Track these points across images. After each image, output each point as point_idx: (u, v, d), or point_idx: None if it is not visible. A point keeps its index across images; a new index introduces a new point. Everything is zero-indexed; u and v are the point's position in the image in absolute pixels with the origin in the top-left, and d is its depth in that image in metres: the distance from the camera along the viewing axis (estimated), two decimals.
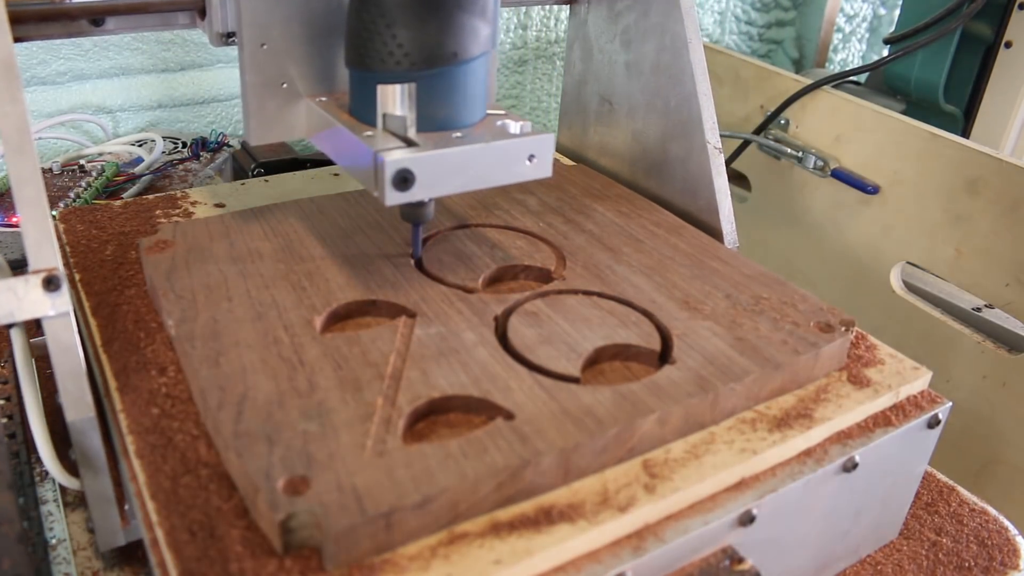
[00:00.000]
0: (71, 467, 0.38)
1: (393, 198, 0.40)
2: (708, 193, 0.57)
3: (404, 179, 0.40)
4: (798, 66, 1.28)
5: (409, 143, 0.41)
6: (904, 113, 0.82)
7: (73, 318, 0.35)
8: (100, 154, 0.87)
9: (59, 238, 0.51)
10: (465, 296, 0.46)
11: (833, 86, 0.85)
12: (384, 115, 0.41)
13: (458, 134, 0.43)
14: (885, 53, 0.93)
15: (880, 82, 0.99)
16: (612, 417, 0.37)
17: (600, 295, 0.47)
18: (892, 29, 0.99)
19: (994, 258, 0.72)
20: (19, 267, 0.65)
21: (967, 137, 0.95)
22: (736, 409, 0.41)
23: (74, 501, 0.44)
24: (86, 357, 0.37)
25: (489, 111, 0.46)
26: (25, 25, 0.44)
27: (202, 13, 0.48)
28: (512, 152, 0.43)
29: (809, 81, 0.85)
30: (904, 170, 0.78)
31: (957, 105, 0.96)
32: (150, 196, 0.58)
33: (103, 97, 0.91)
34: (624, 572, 0.33)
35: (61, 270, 0.35)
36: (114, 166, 0.81)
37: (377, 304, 0.45)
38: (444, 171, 0.41)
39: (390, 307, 0.45)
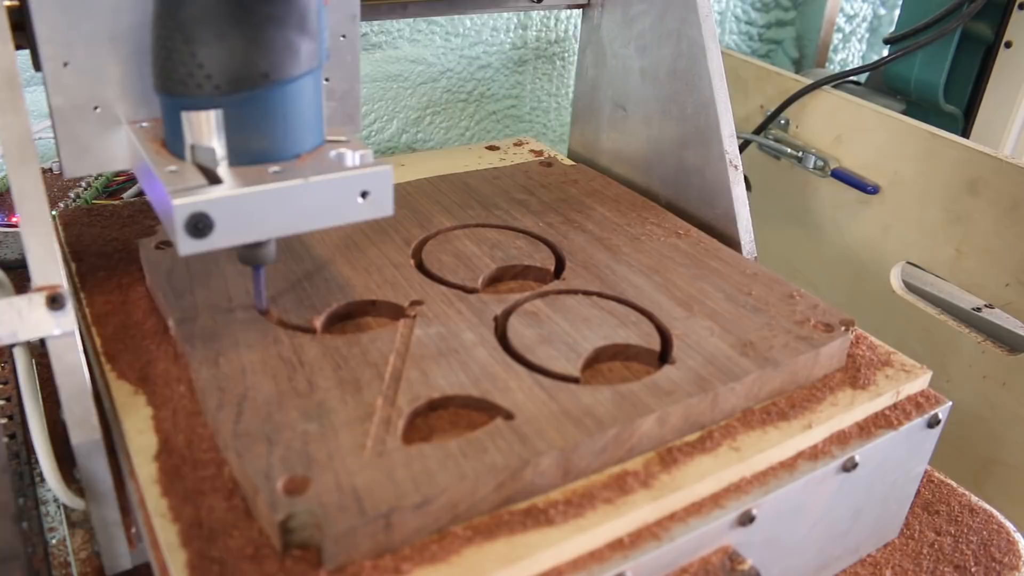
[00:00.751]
0: (74, 481, 0.37)
1: (188, 246, 0.34)
2: (726, 202, 0.56)
3: (197, 225, 0.34)
4: (798, 66, 1.28)
5: (213, 180, 0.35)
6: (904, 113, 0.82)
7: (78, 337, 0.34)
8: None
9: (59, 238, 0.51)
10: (465, 296, 0.46)
11: (833, 86, 0.85)
12: (192, 146, 0.36)
13: (276, 168, 0.37)
14: (885, 53, 0.93)
15: (880, 82, 0.99)
16: (612, 417, 0.37)
17: (600, 295, 0.47)
18: (892, 29, 0.99)
19: (994, 258, 0.72)
20: (19, 267, 0.65)
21: (967, 137, 0.95)
22: (736, 409, 0.41)
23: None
24: (89, 367, 0.36)
25: (330, 138, 0.40)
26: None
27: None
28: (337, 189, 0.37)
29: (809, 81, 0.85)
30: (904, 170, 0.78)
31: (957, 105, 0.96)
32: None
33: None
34: (624, 572, 0.33)
35: (66, 287, 0.33)
36: None
37: (377, 304, 0.45)
38: (251, 214, 0.35)
39: (390, 307, 0.45)
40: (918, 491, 0.49)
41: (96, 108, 0.41)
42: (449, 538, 0.32)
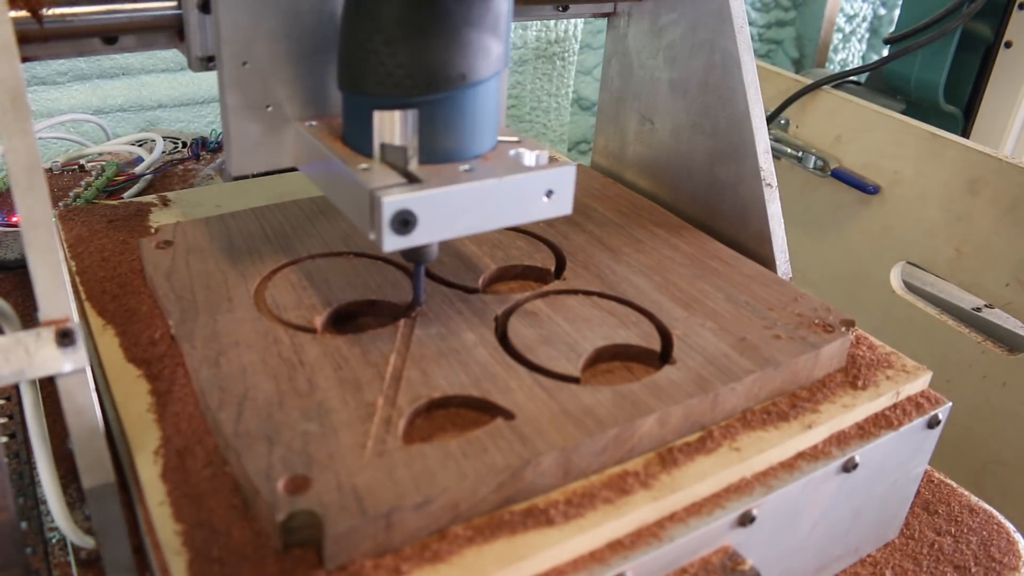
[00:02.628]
0: (84, 519, 0.36)
1: (392, 243, 0.35)
2: (760, 221, 0.54)
3: (405, 221, 0.35)
4: (798, 66, 1.28)
5: (410, 178, 0.36)
6: (904, 113, 0.82)
7: (90, 375, 0.32)
8: (100, 154, 0.87)
9: (58, 239, 0.51)
10: (465, 296, 0.46)
11: (833, 86, 0.85)
12: (382, 145, 0.37)
13: (466, 167, 0.38)
14: (885, 53, 0.93)
15: (880, 82, 0.99)
16: (612, 417, 0.37)
17: (600, 295, 0.47)
18: (892, 29, 0.99)
19: (994, 258, 0.72)
20: (19, 267, 0.65)
21: (967, 137, 0.95)
22: (736, 409, 0.41)
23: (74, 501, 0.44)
24: (91, 372, 0.34)
25: (501, 138, 0.41)
26: (32, 45, 0.41)
27: (180, 34, 0.43)
28: (528, 188, 0.38)
29: (809, 81, 0.85)
30: (904, 170, 0.78)
31: (957, 105, 0.96)
32: (150, 196, 0.58)
33: (103, 97, 0.91)
34: (624, 572, 0.33)
35: (76, 321, 0.31)
36: (114, 166, 0.81)
37: (377, 304, 0.45)
38: (450, 211, 0.36)
39: (390, 307, 0.45)
40: (918, 491, 0.49)
41: (268, 107, 0.42)
42: (449, 538, 0.32)
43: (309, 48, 0.42)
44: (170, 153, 0.88)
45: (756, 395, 0.41)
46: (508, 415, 0.37)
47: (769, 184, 0.53)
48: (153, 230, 0.52)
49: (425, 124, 0.37)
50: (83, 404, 0.32)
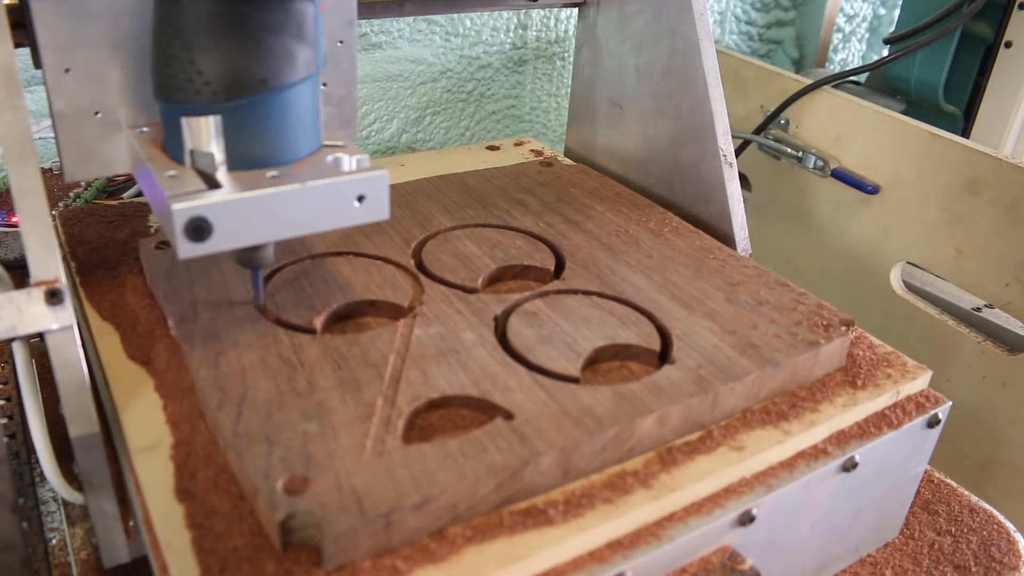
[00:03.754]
0: (75, 479, 0.37)
1: (187, 250, 0.34)
2: (721, 199, 0.56)
3: (198, 228, 0.34)
4: (798, 66, 1.28)
5: (212, 185, 0.36)
6: (904, 113, 0.82)
7: (77, 332, 0.34)
8: None
9: (59, 239, 0.51)
10: (465, 296, 0.46)
11: (833, 86, 0.85)
12: (191, 151, 0.36)
13: (273, 173, 0.37)
14: (885, 53, 0.93)
15: (880, 82, 0.99)
16: (612, 417, 0.37)
17: (600, 295, 0.47)
18: (892, 29, 0.99)
19: (994, 258, 0.72)
20: (19, 267, 0.65)
21: (967, 137, 0.95)
22: (736, 409, 0.41)
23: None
24: (88, 366, 0.36)
25: (326, 143, 0.41)
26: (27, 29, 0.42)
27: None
28: (335, 193, 0.37)
29: (809, 81, 0.85)
30: (904, 170, 0.78)
31: (957, 105, 0.96)
32: None
33: None
34: (624, 572, 0.33)
35: (64, 282, 0.34)
36: None
37: (377, 304, 0.45)
38: (249, 218, 0.35)
39: (390, 307, 0.45)
40: (918, 491, 0.49)
41: (97, 113, 0.42)
42: (449, 538, 0.32)
43: (135, 54, 0.42)
44: None
45: (756, 395, 0.41)
46: (508, 415, 0.37)
47: (729, 163, 0.55)
48: (153, 230, 0.52)
49: (230, 130, 0.37)
50: (70, 359, 0.34)
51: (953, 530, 0.47)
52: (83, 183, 0.77)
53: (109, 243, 0.51)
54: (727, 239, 0.56)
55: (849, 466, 0.40)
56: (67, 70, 0.40)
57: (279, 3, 0.36)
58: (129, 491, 0.37)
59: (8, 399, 0.50)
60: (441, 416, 0.38)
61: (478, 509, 0.33)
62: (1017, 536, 0.47)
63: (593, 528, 0.33)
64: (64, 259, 0.49)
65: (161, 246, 0.48)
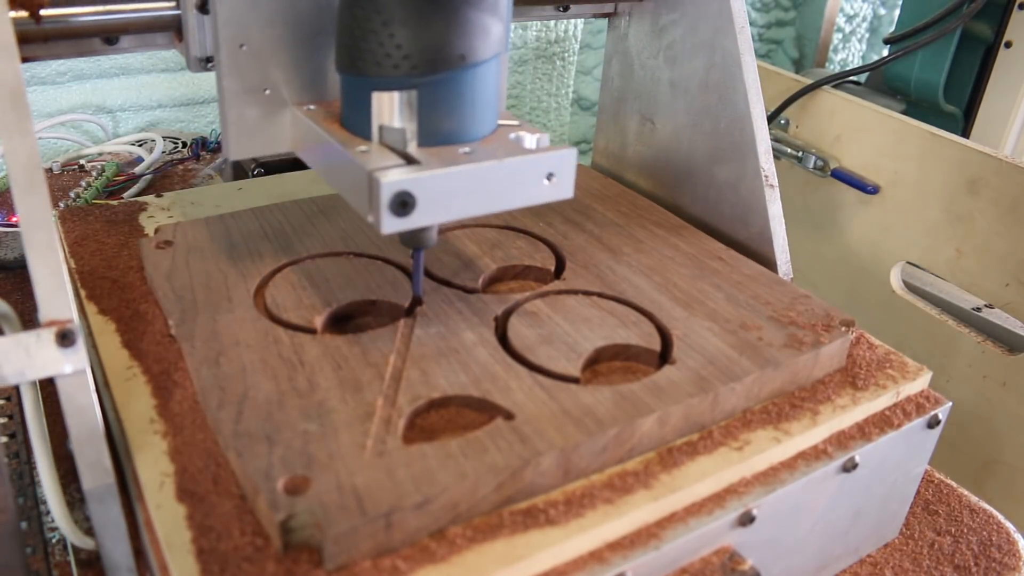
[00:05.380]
0: (84, 519, 0.36)
1: (391, 225, 0.35)
2: (761, 221, 0.54)
3: (404, 203, 0.35)
4: (798, 66, 1.28)
5: (409, 160, 0.36)
6: (904, 113, 0.82)
7: (91, 376, 0.32)
8: (100, 154, 0.87)
9: (59, 239, 0.51)
10: (465, 296, 0.46)
11: (833, 86, 0.85)
12: (380, 127, 0.37)
13: (465, 149, 0.38)
14: (885, 53, 0.93)
15: (880, 82, 0.99)
16: (612, 417, 0.37)
17: (600, 295, 0.47)
18: (892, 29, 0.99)
19: (994, 258, 0.72)
20: (19, 267, 0.65)
21: (967, 137, 0.95)
22: (736, 409, 0.41)
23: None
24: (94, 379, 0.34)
25: (501, 122, 0.41)
26: (32, 45, 0.41)
27: (179, 34, 0.43)
28: (528, 170, 0.38)
29: (809, 81, 0.85)
30: (904, 170, 0.78)
31: (957, 105, 0.96)
32: (150, 196, 0.58)
33: (103, 97, 0.91)
34: (624, 572, 0.33)
35: (77, 322, 0.31)
36: (114, 166, 0.81)
37: (377, 304, 0.45)
38: (449, 193, 0.36)
39: (390, 307, 0.45)
40: (918, 491, 0.49)
41: (266, 90, 0.42)
42: (449, 538, 0.32)
43: (307, 31, 0.42)
44: (170, 153, 0.88)
45: (756, 395, 0.41)
46: (508, 415, 0.37)
47: (771, 184, 0.53)
48: (153, 230, 0.52)
49: (424, 106, 0.37)
50: (83, 405, 0.32)
51: (953, 530, 0.47)
52: (84, 183, 0.77)
53: (109, 243, 0.51)
54: (767, 262, 0.53)
55: (849, 466, 0.40)
56: (241, 45, 0.40)
57: None
58: (144, 540, 0.35)
59: (8, 399, 0.50)
60: (441, 416, 0.38)
61: (479, 509, 0.33)
62: (1017, 536, 0.47)
63: (593, 528, 0.33)
64: (64, 260, 0.48)
65: (162, 246, 0.48)
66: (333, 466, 0.33)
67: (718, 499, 0.37)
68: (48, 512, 0.44)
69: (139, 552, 0.36)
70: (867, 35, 1.34)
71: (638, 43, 0.62)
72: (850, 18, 1.30)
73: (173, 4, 0.42)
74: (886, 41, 0.98)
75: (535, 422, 0.36)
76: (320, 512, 0.31)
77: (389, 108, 0.36)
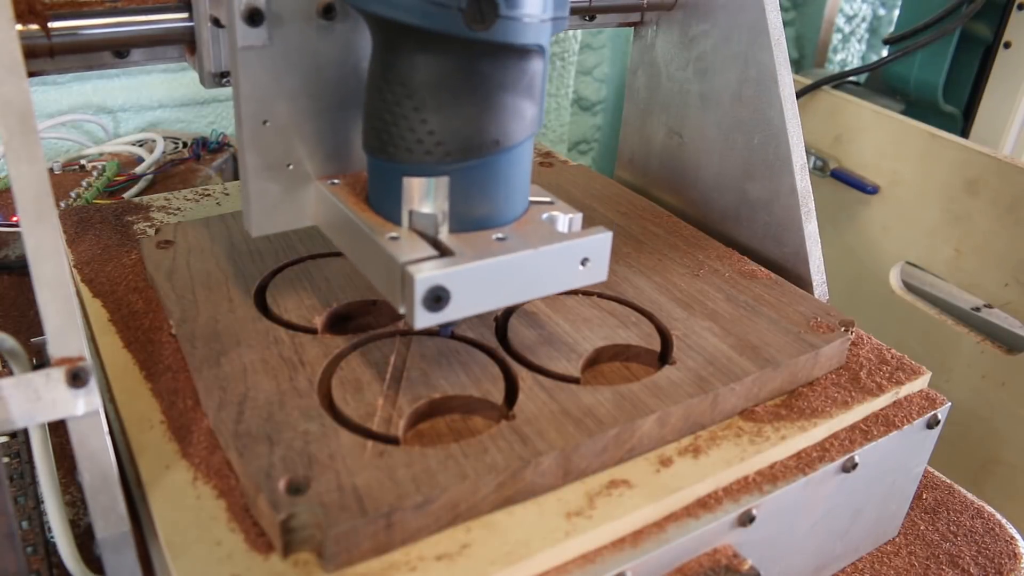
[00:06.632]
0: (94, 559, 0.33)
1: (424, 319, 0.33)
2: (796, 240, 0.52)
3: (437, 298, 0.33)
4: (798, 66, 1.28)
5: (441, 250, 0.34)
6: (904, 113, 0.82)
7: (104, 418, 0.30)
8: (101, 154, 0.87)
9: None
10: None
11: (833, 86, 0.85)
12: (410, 212, 0.35)
13: (499, 235, 0.36)
14: (885, 53, 0.93)
15: (880, 82, 0.99)
16: (612, 417, 0.37)
17: (600, 295, 0.47)
18: (892, 29, 0.99)
19: (993, 258, 0.72)
20: (20, 267, 0.65)
21: (966, 137, 0.95)
22: (736, 409, 0.41)
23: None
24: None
25: (532, 198, 0.39)
26: (39, 60, 0.40)
27: (190, 47, 0.42)
28: (564, 258, 0.36)
29: (809, 81, 0.86)
30: (904, 170, 0.78)
31: (956, 105, 0.96)
32: (150, 196, 0.58)
33: (104, 97, 0.91)
34: (624, 572, 0.33)
35: (90, 361, 0.29)
36: (115, 166, 0.81)
37: (377, 304, 0.45)
38: (484, 285, 0.34)
39: (390, 307, 0.45)
40: (918, 491, 0.49)
41: (289, 165, 0.40)
42: (449, 538, 0.32)
43: (331, 103, 0.40)
44: (171, 153, 0.88)
45: (756, 395, 0.41)
46: (508, 415, 0.37)
47: (808, 204, 0.51)
48: (153, 230, 0.52)
49: (456, 191, 0.35)
50: (96, 448, 0.30)
51: (953, 530, 0.47)
52: (84, 183, 0.77)
53: (109, 243, 0.51)
54: (802, 282, 0.51)
55: (849, 466, 0.40)
56: (265, 121, 0.38)
57: (517, 61, 0.34)
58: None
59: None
60: (442, 416, 0.38)
61: (479, 509, 0.34)
62: (1017, 536, 0.47)
63: (593, 528, 0.33)
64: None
65: (162, 245, 0.48)
66: (334, 466, 0.33)
67: (718, 499, 0.37)
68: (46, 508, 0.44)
69: None
70: (867, 35, 1.34)
71: (666, 54, 0.60)
72: (850, 18, 1.30)
73: (185, 16, 0.41)
74: (885, 41, 0.98)
75: (535, 422, 0.36)
76: (321, 512, 0.31)
77: (420, 194, 0.35)
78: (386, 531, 0.31)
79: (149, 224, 0.54)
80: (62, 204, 0.74)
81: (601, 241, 0.37)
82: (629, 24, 0.62)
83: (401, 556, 0.32)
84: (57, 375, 0.28)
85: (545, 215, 0.38)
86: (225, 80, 0.41)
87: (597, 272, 0.37)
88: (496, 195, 0.36)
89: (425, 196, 0.35)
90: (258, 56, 0.37)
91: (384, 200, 0.37)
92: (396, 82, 0.34)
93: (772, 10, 0.51)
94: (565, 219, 0.38)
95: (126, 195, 0.77)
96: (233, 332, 0.41)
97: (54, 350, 0.29)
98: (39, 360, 0.49)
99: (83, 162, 0.84)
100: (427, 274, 0.32)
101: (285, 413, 0.36)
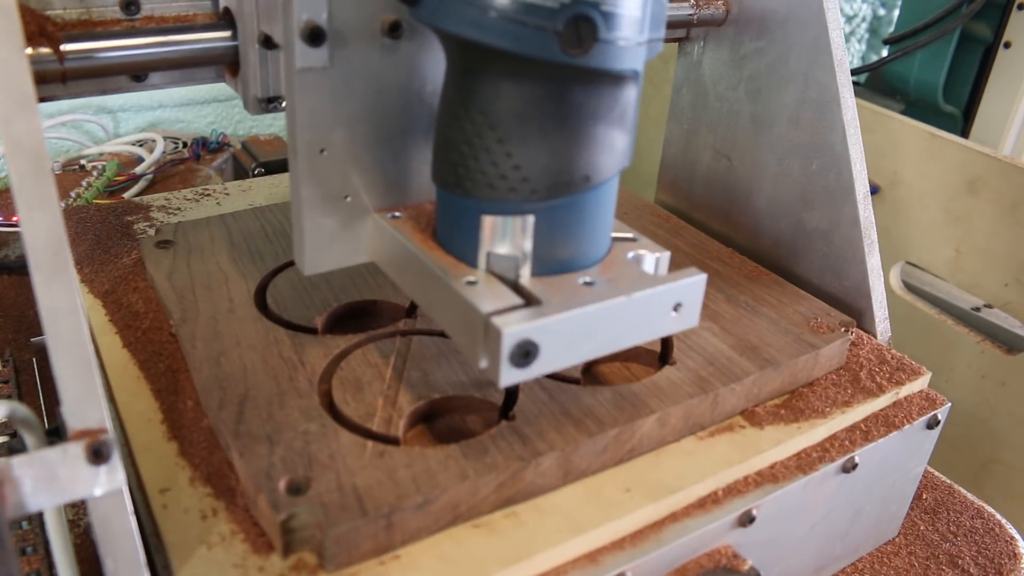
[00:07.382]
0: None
1: (509, 377, 0.30)
2: (858, 274, 0.48)
3: (526, 353, 0.29)
4: None
5: (526, 298, 0.31)
6: (904, 113, 0.82)
7: (128, 496, 0.27)
8: (101, 154, 0.87)
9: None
10: None
11: None
12: (489, 254, 0.32)
13: (586, 279, 0.33)
14: (885, 53, 0.93)
15: (880, 82, 0.99)
16: (612, 418, 0.37)
17: None
18: (892, 29, 0.99)
19: (993, 258, 0.72)
20: (20, 267, 0.65)
21: (966, 137, 0.95)
22: (736, 409, 0.41)
23: None
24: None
25: (614, 234, 0.36)
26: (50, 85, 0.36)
27: (232, 70, 0.38)
28: (657, 303, 0.32)
29: None
30: (904, 170, 0.78)
31: (956, 105, 0.96)
32: (150, 196, 0.58)
33: (104, 97, 0.91)
34: (624, 572, 0.33)
35: (112, 434, 0.26)
36: (115, 166, 0.81)
37: (378, 304, 0.45)
38: (573, 336, 0.31)
39: (391, 307, 0.45)
40: (918, 491, 0.49)
41: (347, 197, 0.37)
42: (449, 538, 0.32)
43: (393, 130, 0.37)
44: (171, 153, 0.88)
45: (756, 395, 0.41)
46: (508, 416, 0.37)
47: (869, 235, 0.49)
48: (153, 230, 0.52)
49: (540, 231, 0.32)
50: (119, 530, 0.26)
51: (952, 530, 0.47)
52: (85, 182, 0.77)
53: (110, 242, 0.51)
54: (863, 319, 0.49)
55: (849, 467, 0.40)
56: (322, 150, 0.35)
57: (611, 88, 0.31)
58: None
59: (8, 397, 0.50)
60: (442, 416, 0.38)
61: (479, 509, 0.34)
62: (1017, 536, 0.47)
63: (593, 528, 0.33)
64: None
65: (162, 246, 0.48)
66: (334, 466, 0.33)
67: (718, 499, 0.37)
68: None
69: None
70: (867, 35, 1.34)
71: (714, 72, 0.56)
72: (850, 18, 1.30)
73: (227, 35, 0.39)
74: (886, 41, 0.98)
75: (535, 423, 0.36)
76: (321, 512, 0.31)
77: (501, 234, 0.31)
78: (386, 531, 0.31)
79: (149, 224, 0.54)
80: (62, 204, 0.74)
81: (695, 284, 0.33)
82: (673, 40, 0.58)
83: (401, 556, 0.32)
84: (76, 451, 0.25)
85: (631, 254, 0.35)
86: (271, 106, 0.39)
87: (689, 318, 0.34)
88: (583, 235, 0.33)
89: (506, 237, 0.31)
90: (317, 79, 0.34)
91: (456, 238, 0.34)
92: (477, 110, 0.31)
93: (835, 28, 0.48)
94: (652, 258, 0.35)
95: (126, 195, 0.77)
96: (233, 332, 0.41)
97: (72, 421, 0.25)
98: (52, 424, 0.45)
99: (83, 162, 0.84)
100: (515, 327, 0.29)
101: (285, 413, 0.36)
